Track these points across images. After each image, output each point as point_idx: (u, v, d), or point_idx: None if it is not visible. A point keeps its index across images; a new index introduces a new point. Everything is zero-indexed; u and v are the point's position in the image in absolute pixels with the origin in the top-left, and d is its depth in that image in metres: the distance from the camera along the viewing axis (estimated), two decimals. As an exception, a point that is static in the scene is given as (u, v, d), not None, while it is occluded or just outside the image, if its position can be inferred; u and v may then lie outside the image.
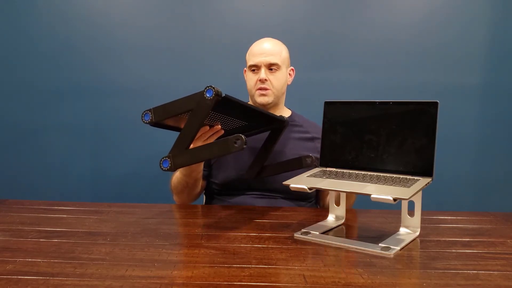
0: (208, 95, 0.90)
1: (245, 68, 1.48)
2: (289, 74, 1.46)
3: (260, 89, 1.38)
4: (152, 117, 0.98)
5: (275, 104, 1.42)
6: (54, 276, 0.71)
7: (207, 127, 1.10)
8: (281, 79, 1.40)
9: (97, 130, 2.00)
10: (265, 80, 1.37)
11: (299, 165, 1.20)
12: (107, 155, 2.01)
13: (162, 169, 0.93)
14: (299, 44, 1.94)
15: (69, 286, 0.68)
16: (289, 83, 1.46)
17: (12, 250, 0.84)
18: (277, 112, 1.45)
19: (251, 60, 1.40)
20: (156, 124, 1.01)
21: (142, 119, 0.99)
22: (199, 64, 1.98)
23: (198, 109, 0.91)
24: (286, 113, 1.49)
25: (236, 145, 0.85)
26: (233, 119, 1.13)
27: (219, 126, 1.11)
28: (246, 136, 1.29)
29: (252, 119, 1.21)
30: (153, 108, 0.98)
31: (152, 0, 1.97)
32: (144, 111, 0.99)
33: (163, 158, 0.93)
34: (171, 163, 0.92)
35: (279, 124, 1.26)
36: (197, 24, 1.97)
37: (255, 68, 1.39)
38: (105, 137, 2.00)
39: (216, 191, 1.42)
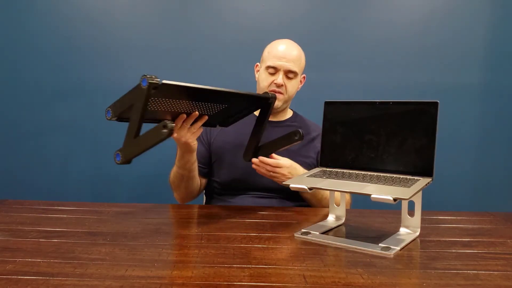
0: (143, 85, 0.89)
1: (257, 63, 1.47)
2: (300, 81, 1.45)
3: (273, 92, 1.37)
4: (112, 113, 1.00)
5: (283, 109, 1.43)
6: (54, 276, 0.71)
7: (184, 115, 1.08)
8: (295, 86, 1.41)
9: (97, 130, 2.00)
10: (281, 85, 1.36)
11: (289, 142, 1.21)
12: (107, 155, 2.00)
13: (116, 162, 0.95)
14: (299, 44, 1.93)
15: (69, 286, 0.68)
16: (298, 89, 1.45)
17: (12, 250, 0.84)
18: (281, 114, 1.45)
19: (271, 61, 1.37)
20: (120, 119, 1.02)
21: (106, 116, 1.01)
22: (199, 64, 1.98)
23: (137, 100, 0.92)
24: (288, 114, 1.49)
25: (164, 131, 0.88)
26: (209, 104, 1.11)
27: (197, 112, 1.10)
28: (235, 119, 1.28)
29: (231, 101, 1.18)
30: (111, 104, 0.99)
31: (152, 0, 1.97)
32: (106, 108, 1.01)
33: (115, 152, 0.96)
34: (122, 156, 0.95)
35: (265, 100, 1.24)
36: (197, 24, 1.97)
37: (273, 70, 1.38)
38: (105, 137, 2.00)
39: (217, 191, 1.42)
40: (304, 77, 1.47)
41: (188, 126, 1.11)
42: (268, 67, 1.38)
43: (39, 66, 1.96)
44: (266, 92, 1.23)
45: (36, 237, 0.92)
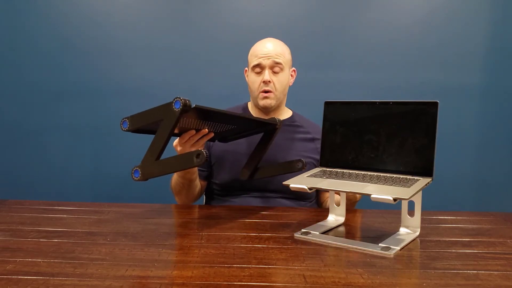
0: (176, 107, 0.89)
1: (246, 68, 1.47)
2: (291, 75, 1.45)
3: (264, 91, 1.37)
4: (129, 124, 0.99)
5: (277, 106, 1.42)
6: (54, 276, 0.71)
7: (193, 131, 1.10)
8: (284, 81, 1.40)
9: (97, 130, 2.00)
10: (269, 81, 1.36)
11: (290, 169, 1.20)
12: (107, 155, 2.01)
13: (133, 179, 0.94)
14: (299, 44, 1.93)
15: (69, 286, 0.68)
16: (290, 84, 1.45)
17: (12, 250, 0.84)
18: (278, 113, 1.45)
19: (254, 60, 1.37)
20: (136, 131, 1.02)
21: (121, 127, 1.00)
22: (199, 64, 1.98)
23: (166, 121, 0.92)
24: (287, 113, 1.49)
25: (197, 160, 0.87)
26: (219, 124, 1.13)
27: (206, 130, 1.12)
28: (240, 137, 1.30)
29: (241, 123, 1.21)
30: (130, 116, 0.99)
31: (153, 0, 1.97)
32: (123, 119, 1.00)
33: (134, 167, 0.94)
34: (141, 174, 0.94)
35: (272, 126, 1.26)
36: (197, 24, 1.97)
37: (258, 68, 1.38)
38: (105, 137, 2.00)
39: (217, 192, 1.42)
40: (294, 70, 1.47)
41: (194, 141, 1.12)
42: (253, 68, 1.38)
43: (39, 66, 1.97)
44: (273, 118, 1.24)
45: (36, 237, 0.92)
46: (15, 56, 1.96)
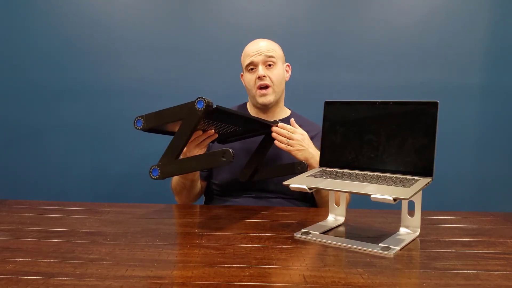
0: (199, 106, 0.89)
1: (241, 73, 1.47)
2: (286, 70, 1.45)
3: (261, 87, 1.37)
4: (144, 123, 0.98)
5: (275, 103, 1.42)
6: (54, 276, 0.71)
7: (200, 132, 1.10)
8: (279, 74, 1.40)
9: (97, 130, 2.00)
10: (264, 76, 1.36)
11: (291, 171, 1.21)
12: (107, 155, 2.01)
13: (151, 177, 0.94)
14: (299, 44, 1.93)
15: (69, 286, 0.68)
16: (286, 79, 1.46)
17: (12, 250, 0.84)
18: (277, 112, 1.45)
19: (247, 60, 1.39)
20: (148, 130, 1.02)
21: (135, 125, 0.99)
22: (199, 64, 1.98)
23: (188, 120, 0.92)
24: (285, 112, 1.49)
25: (223, 159, 0.86)
26: (226, 125, 1.14)
27: (212, 130, 1.12)
28: (241, 139, 1.30)
29: (246, 124, 1.21)
30: (145, 115, 0.98)
31: (152, 0, 1.97)
32: (136, 118, 0.99)
33: (152, 166, 0.94)
34: (160, 172, 0.93)
35: None
36: (197, 24, 1.97)
37: (252, 66, 1.38)
38: (105, 137, 2.00)
39: (216, 192, 1.42)
40: (288, 65, 1.47)
41: (199, 142, 1.12)
42: (247, 67, 1.39)
43: (40, 66, 1.97)
44: (275, 121, 1.25)
45: (36, 237, 0.92)
46: (15, 56, 1.96)
